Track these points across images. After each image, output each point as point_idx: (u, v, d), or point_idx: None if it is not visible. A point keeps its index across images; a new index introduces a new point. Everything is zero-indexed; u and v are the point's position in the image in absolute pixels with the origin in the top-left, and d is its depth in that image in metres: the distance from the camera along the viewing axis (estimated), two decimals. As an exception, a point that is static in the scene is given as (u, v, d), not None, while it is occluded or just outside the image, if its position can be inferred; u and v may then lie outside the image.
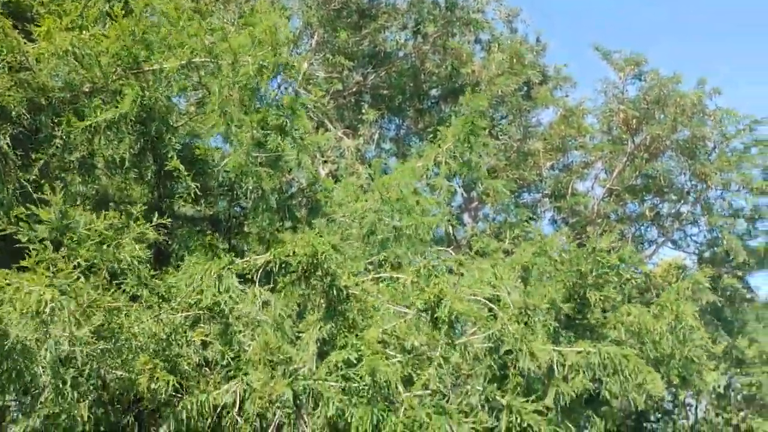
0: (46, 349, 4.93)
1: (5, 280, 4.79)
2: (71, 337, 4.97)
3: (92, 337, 5.20)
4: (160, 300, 6.11)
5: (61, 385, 5.39)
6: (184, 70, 6.66)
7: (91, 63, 6.36)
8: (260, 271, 6.33)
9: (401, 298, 6.70)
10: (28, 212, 5.14)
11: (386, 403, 5.88)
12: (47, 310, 4.73)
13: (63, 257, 5.14)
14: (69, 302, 4.88)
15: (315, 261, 6.06)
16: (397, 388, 5.87)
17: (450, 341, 6.21)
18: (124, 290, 5.85)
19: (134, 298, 5.97)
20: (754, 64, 56.68)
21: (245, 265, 6.32)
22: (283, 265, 6.23)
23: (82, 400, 5.75)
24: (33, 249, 4.96)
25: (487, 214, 18.66)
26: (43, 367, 5.14)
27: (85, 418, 5.73)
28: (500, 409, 6.72)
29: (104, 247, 5.44)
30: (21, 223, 5.05)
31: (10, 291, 4.74)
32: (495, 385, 7.05)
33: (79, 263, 5.22)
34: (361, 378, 5.82)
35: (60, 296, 4.82)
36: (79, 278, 5.13)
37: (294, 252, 6.11)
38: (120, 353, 5.69)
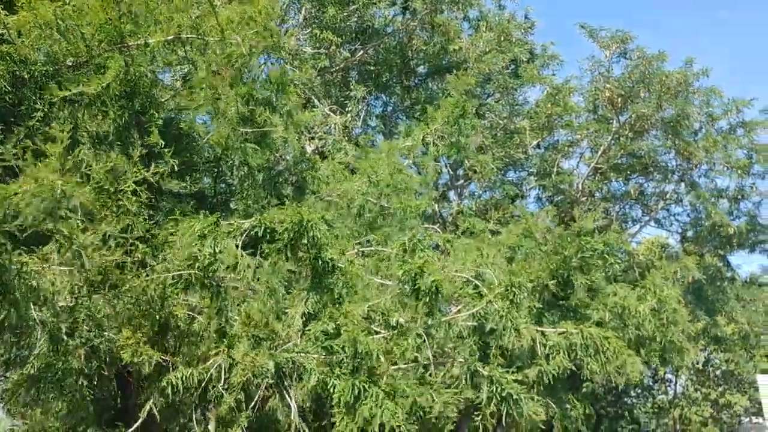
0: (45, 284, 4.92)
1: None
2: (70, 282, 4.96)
3: (87, 290, 5.20)
4: (154, 254, 6.07)
5: (56, 333, 5.40)
6: (170, 45, 6.56)
7: (74, 36, 6.25)
8: (244, 237, 6.27)
9: (386, 271, 6.72)
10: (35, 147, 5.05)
11: (367, 375, 5.93)
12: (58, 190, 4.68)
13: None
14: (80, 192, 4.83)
15: (301, 230, 6.04)
16: (379, 358, 5.92)
17: (430, 312, 6.26)
18: (119, 244, 5.78)
19: (128, 253, 5.92)
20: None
21: (230, 229, 6.26)
22: (269, 232, 6.20)
23: (75, 352, 5.77)
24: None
25: (474, 191, 18.70)
26: (39, 316, 5.14)
27: (78, 371, 5.76)
28: (482, 382, 6.80)
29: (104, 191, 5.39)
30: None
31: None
32: (476, 358, 7.12)
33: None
34: (342, 349, 5.86)
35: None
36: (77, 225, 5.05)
37: (281, 219, 6.09)
38: (113, 307, 5.70)
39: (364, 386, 5.73)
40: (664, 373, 23.34)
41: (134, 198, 5.66)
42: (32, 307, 5.09)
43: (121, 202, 5.56)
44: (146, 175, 5.62)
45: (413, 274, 6.15)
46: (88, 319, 5.64)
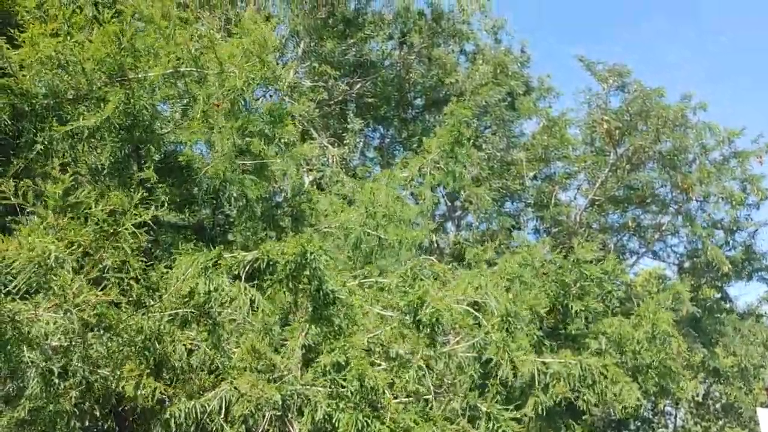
0: (37, 330, 4.91)
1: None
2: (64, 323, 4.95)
3: (81, 329, 5.17)
4: (150, 292, 6.04)
5: (48, 376, 5.36)
6: (169, 78, 6.64)
7: (75, 69, 6.32)
8: (247, 269, 6.27)
9: (386, 302, 6.71)
10: (35, 186, 5.09)
11: (371, 409, 5.88)
12: (51, 258, 4.74)
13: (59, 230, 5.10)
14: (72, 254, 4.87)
15: (303, 261, 6.04)
16: (384, 393, 5.88)
17: (432, 343, 6.24)
18: (115, 284, 5.77)
19: (124, 293, 5.90)
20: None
21: (232, 261, 6.26)
22: (271, 264, 6.19)
23: (67, 394, 5.71)
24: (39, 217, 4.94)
25: (471, 222, 18.74)
26: (31, 357, 5.11)
27: (70, 413, 5.69)
28: (480, 417, 6.75)
29: (103, 232, 5.39)
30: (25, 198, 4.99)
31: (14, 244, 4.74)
32: (476, 393, 7.08)
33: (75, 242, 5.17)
34: (348, 382, 5.82)
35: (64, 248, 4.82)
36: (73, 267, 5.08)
37: (283, 251, 6.08)
38: (108, 348, 5.65)
39: (367, 421, 5.69)
40: (664, 406, 23.14)
41: (132, 240, 5.64)
42: (24, 349, 5.07)
43: (118, 244, 5.55)
44: (145, 218, 5.61)
45: (415, 305, 6.14)
46: (83, 359, 5.59)
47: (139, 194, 5.72)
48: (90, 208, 5.38)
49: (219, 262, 6.06)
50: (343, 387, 5.83)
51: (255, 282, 6.25)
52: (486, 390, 7.08)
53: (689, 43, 61.72)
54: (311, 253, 5.97)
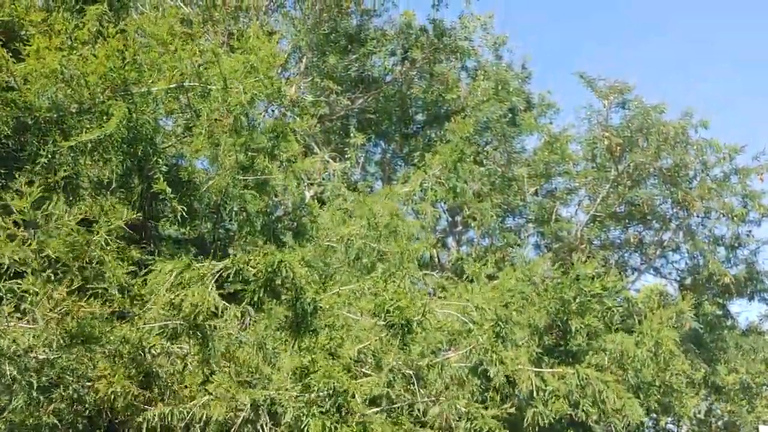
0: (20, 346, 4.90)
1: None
2: (46, 340, 4.94)
3: (65, 342, 5.15)
4: (134, 302, 6.01)
5: (29, 390, 5.33)
6: (173, 92, 6.67)
7: (79, 83, 6.36)
8: (215, 277, 6.21)
9: (379, 311, 6.69)
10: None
11: (340, 413, 5.85)
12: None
13: (33, 251, 5.11)
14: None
15: (274, 272, 6.01)
16: (354, 397, 5.86)
17: (404, 346, 6.21)
18: (97, 294, 5.74)
19: (107, 303, 5.86)
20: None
21: (205, 270, 6.19)
22: (239, 273, 6.15)
23: (49, 406, 5.69)
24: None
25: (472, 238, 18.74)
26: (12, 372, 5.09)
27: (52, 425, 5.66)
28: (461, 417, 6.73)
29: (76, 240, 5.37)
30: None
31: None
32: (460, 396, 7.04)
33: (49, 259, 5.17)
34: (316, 386, 5.79)
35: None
36: (50, 278, 5.08)
37: (249, 262, 6.04)
38: (92, 360, 5.63)
39: (335, 425, 5.67)
40: (666, 424, 22.99)
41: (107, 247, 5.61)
42: (6, 363, 5.07)
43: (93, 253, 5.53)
44: (117, 224, 5.61)
45: (384, 308, 6.10)
46: (67, 371, 5.56)
47: (143, 209, 5.73)
48: (60, 219, 5.38)
49: (194, 269, 6.00)
50: (312, 391, 5.81)
51: (226, 291, 6.22)
52: (485, 403, 7.07)
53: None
54: (283, 263, 5.91)
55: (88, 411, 6.05)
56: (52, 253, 5.17)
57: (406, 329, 6.06)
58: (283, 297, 6.22)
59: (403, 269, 7.14)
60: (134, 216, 5.98)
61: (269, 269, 5.93)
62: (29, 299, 5.05)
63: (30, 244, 5.12)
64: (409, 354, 6.27)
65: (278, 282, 6.01)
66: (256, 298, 6.07)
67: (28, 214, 5.12)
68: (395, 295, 6.09)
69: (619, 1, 66.11)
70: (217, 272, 6.12)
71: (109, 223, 5.58)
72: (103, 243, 5.50)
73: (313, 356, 5.91)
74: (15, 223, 5.13)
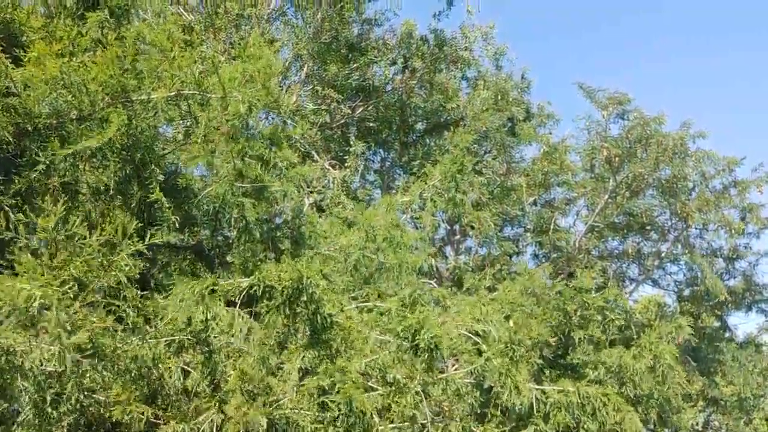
0: (31, 361, 4.86)
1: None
2: (58, 352, 4.91)
3: (77, 356, 5.12)
4: (146, 321, 6.00)
5: (41, 404, 5.30)
6: (172, 100, 6.66)
7: (78, 90, 6.35)
8: (242, 295, 6.24)
9: (385, 326, 6.68)
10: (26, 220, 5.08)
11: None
12: (35, 304, 4.68)
13: (52, 268, 5.08)
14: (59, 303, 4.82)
15: (300, 287, 6.01)
16: (372, 417, 5.83)
17: (429, 368, 6.20)
18: (110, 311, 5.74)
19: (120, 320, 5.87)
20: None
21: (229, 287, 6.24)
22: (267, 290, 6.16)
23: (60, 421, 5.65)
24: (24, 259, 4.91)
25: (471, 247, 18.73)
26: (24, 386, 5.07)
27: None
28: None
29: (96, 263, 5.35)
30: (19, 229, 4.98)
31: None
32: (472, 417, 7.03)
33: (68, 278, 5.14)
34: (335, 405, 5.77)
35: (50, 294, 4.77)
36: (67, 292, 5.05)
37: (279, 277, 6.06)
38: (103, 375, 5.60)
39: None
40: (663, 436, 22.91)
41: (127, 269, 5.59)
42: (18, 378, 5.05)
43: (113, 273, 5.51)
44: (140, 248, 5.59)
45: (413, 330, 6.10)
46: (77, 385, 5.54)
47: (141, 215, 5.71)
48: (84, 238, 5.35)
49: (215, 289, 6.03)
50: (331, 411, 5.78)
51: (251, 309, 6.22)
52: (486, 418, 7.04)
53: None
54: (308, 278, 5.94)
55: (95, 427, 6.03)
56: (76, 274, 5.14)
57: (435, 353, 6.07)
58: (299, 310, 6.20)
59: (415, 288, 7.11)
60: (135, 224, 5.95)
61: (295, 285, 5.94)
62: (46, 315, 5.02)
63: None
64: (432, 376, 6.25)
65: (302, 297, 6.01)
66: (280, 314, 6.08)
67: (51, 233, 5.09)
68: (423, 321, 6.08)
69: (619, 13, 66.36)
70: (243, 290, 6.13)
71: (132, 245, 5.52)
72: (123, 266, 5.48)
73: (332, 378, 5.89)
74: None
